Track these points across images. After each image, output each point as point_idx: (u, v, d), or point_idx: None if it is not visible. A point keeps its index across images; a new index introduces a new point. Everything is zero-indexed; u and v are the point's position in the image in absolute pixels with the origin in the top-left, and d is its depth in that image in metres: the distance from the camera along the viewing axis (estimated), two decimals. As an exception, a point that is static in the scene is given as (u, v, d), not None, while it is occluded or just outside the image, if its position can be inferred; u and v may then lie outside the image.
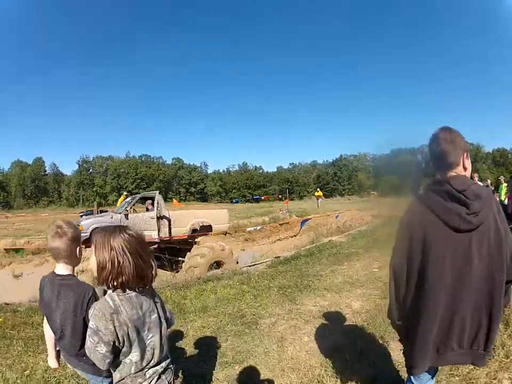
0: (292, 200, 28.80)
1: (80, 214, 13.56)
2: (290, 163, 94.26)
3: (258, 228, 16.47)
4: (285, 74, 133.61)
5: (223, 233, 13.90)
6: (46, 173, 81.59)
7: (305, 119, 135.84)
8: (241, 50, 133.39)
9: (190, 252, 12.39)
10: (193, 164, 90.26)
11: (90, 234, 11.13)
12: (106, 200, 75.24)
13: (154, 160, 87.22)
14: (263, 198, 44.15)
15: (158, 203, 12.30)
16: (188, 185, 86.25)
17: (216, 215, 13.59)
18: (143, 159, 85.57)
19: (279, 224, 20.18)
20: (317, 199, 34.17)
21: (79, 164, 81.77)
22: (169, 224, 12.24)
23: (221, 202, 67.72)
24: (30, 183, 76.19)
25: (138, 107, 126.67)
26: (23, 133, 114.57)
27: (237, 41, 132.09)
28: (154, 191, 12.78)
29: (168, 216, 12.19)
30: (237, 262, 12.49)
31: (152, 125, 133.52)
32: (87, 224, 11.57)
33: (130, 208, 12.38)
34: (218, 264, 12.38)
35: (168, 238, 12.29)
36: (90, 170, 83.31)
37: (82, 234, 9.46)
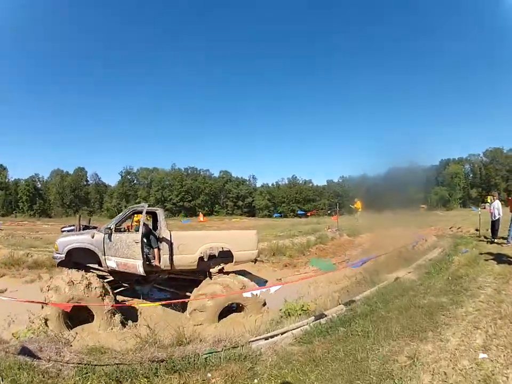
0: (341, 215, 24.49)
1: (62, 229, 10.77)
2: (340, 176, 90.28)
3: (271, 291, 7.70)
4: (331, 87, 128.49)
5: (252, 261, 10.51)
6: (88, 182, 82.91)
7: (354, 132, 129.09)
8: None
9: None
10: (242, 177, 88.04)
11: (65, 256, 8.96)
12: (150, 211, 74.41)
13: (200, 172, 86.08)
14: (308, 214, 38.87)
15: (158, 219, 9.51)
16: (235, 198, 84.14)
17: (239, 238, 10.18)
18: (189, 171, 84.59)
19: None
20: (356, 212, 26.93)
21: (121, 175, 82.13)
22: (171, 250, 9.06)
23: (269, 217, 64.60)
24: (69, 192, 77.50)
25: (185, 120, 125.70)
26: (64, 142, 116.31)
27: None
28: (143, 204, 9.65)
29: (169, 238, 9.00)
30: (264, 304, 9.11)
31: (199, 138, 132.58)
32: (63, 243, 9.08)
33: (121, 225, 9.42)
34: (238, 306, 9.29)
35: (161, 271, 9.34)
36: (135, 181, 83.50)
37: (58, 256, 8.96)
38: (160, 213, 9.56)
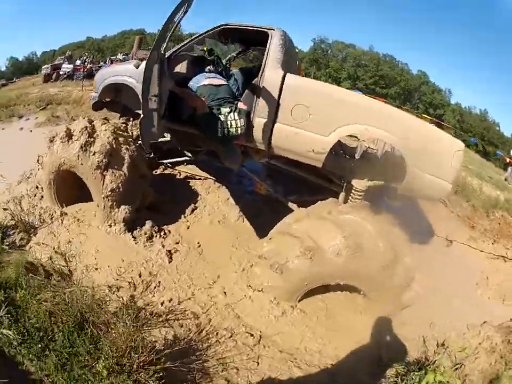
0: None
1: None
2: None
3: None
4: None
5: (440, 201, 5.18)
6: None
7: None
8: None
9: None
10: (438, 86, 79.78)
11: (99, 95, 5.64)
12: (339, 85, 71.22)
13: (399, 64, 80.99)
14: (503, 154, 24.56)
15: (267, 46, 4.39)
16: (428, 104, 76.44)
17: (428, 141, 3.84)
18: (386, 58, 79.90)
19: None
20: None
21: (314, 42, 78.59)
22: (275, 113, 4.07)
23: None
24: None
25: None
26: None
27: None
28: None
29: (276, 86, 4.07)
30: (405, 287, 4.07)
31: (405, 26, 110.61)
32: (100, 77, 5.75)
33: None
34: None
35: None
36: (329, 51, 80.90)
37: (92, 95, 6.09)
38: (275, 35, 4.29)
